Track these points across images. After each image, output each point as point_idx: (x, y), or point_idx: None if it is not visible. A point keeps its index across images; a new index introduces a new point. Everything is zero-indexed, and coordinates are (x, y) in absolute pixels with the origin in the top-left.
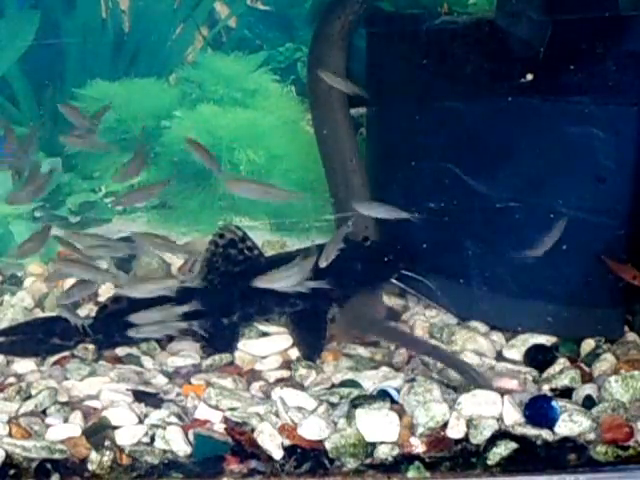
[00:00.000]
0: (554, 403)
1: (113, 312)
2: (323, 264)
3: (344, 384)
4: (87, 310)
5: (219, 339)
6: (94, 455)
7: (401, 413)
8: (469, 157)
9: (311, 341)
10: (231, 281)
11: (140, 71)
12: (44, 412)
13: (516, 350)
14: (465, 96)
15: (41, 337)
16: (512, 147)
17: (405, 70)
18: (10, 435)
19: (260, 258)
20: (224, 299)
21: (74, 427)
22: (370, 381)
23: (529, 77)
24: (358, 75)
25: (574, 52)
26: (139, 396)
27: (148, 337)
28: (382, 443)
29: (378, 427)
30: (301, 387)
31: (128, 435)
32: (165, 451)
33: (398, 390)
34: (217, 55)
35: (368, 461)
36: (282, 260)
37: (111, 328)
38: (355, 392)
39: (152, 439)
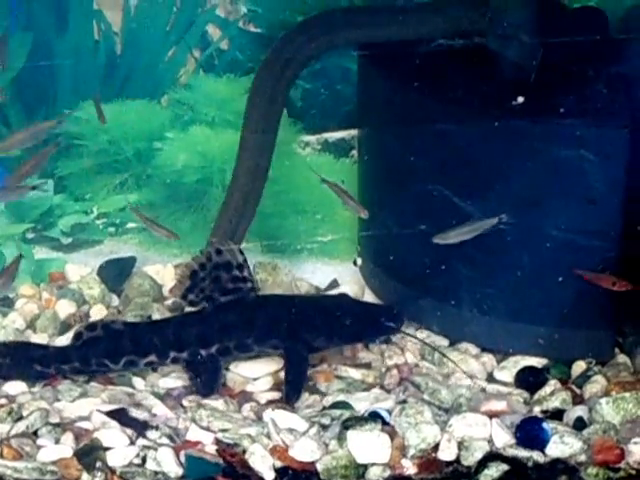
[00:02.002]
0: (545, 425)
1: (88, 340)
2: None
3: (335, 406)
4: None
5: (202, 372)
6: (85, 476)
7: (392, 435)
8: (460, 179)
9: (291, 384)
10: (212, 309)
11: (132, 93)
12: (35, 433)
13: (507, 372)
14: (457, 118)
15: (23, 362)
16: (503, 169)
17: (397, 92)
18: (1, 456)
19: (251, 293)
20: (202, 329)
21: (65, 448)
22: (361, 403)
23: (520, 99)
24: (350, 97)
25: (565, 75)
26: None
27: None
28: (373, 465)
29: (369, 448)
30: (292, 408)
31: (119, 456)
32: (156, 472)
33: (389, 412)
34: (209, 77)
35: None
36: (273, 303)
37: (87, 356)
38: (346, 414)
39: (143, 460)
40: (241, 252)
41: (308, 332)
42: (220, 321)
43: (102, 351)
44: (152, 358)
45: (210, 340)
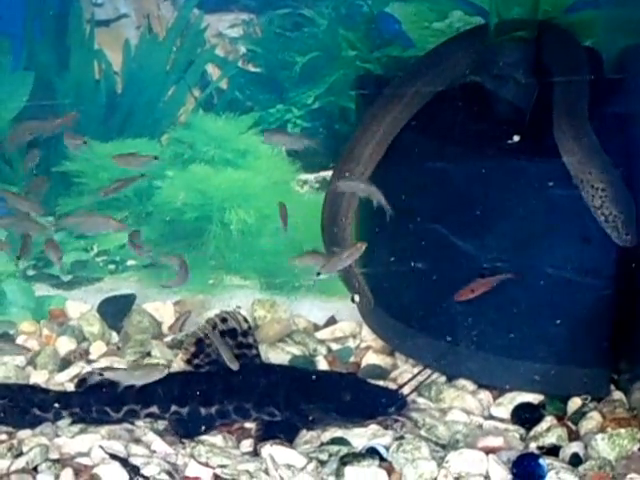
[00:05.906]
0: (541, 461)
1: (92, 386)
2: None
3: (333, 441)
4: (79, 368)
5: (188, 425)
6: None
7: (390, 470)
8: (457, 218)
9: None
10: (218, 372)
11: (133, 132)
12: (35, 469)
13: (504, 408)
14: (453, 158)
15: (22, 406)
16: (499, 208)
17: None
18: None
19: (255, 360)
20: (205, 387)
21: None
22: (359, 439)
23: (516, 138)
24: (348, 136)
25: None
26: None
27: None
28: None
29: None
30: (290, 444)
31: None
32: None
33: (387, 448)
34: (209, 116)
35: None
36: (276, 372)
37: (90, 403)
38: (344, 449)
39: None
40: (246, 320)
41: (306, 405)
42: (223, 383)
43: (104, 398)
44: (154, 409)
45: (211, 400)
